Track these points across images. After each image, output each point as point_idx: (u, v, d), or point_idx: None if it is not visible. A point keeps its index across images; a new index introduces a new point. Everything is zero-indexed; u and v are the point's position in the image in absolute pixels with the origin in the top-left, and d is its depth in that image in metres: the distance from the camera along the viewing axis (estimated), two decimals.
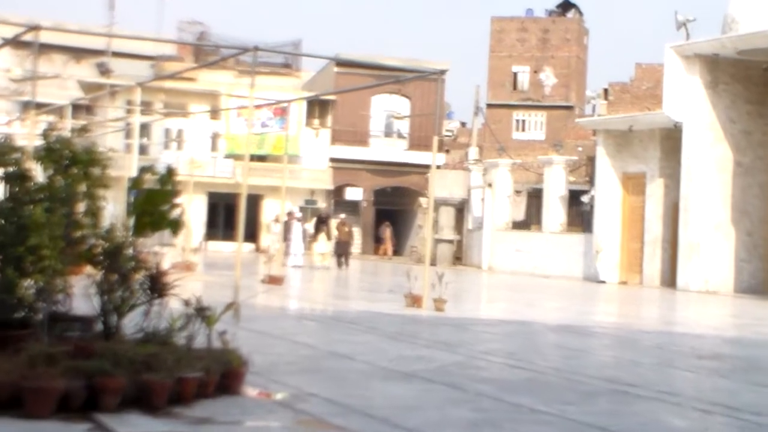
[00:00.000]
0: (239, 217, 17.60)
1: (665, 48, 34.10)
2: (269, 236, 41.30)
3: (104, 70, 57.82)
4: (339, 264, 36.00)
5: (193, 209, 36.14)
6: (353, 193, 58.39)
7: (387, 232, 56.56)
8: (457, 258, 47.85)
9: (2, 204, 8.42)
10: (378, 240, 58.60)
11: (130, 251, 8.52)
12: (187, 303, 8.38)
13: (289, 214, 35.96)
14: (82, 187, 8.77)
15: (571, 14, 75.13)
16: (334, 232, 36.65)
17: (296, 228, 34.58)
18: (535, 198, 44.24)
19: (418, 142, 58.95)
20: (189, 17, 68.94)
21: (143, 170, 8.95)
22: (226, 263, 34.53)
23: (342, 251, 36.61)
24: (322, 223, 36.19)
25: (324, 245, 35.33)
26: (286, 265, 32.24)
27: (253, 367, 8.37)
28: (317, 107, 57.47)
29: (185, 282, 9.41)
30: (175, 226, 9.00)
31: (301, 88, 61.24)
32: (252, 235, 52.00)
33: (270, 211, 50.80)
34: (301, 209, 47.05)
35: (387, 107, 58.27)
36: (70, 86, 57.64)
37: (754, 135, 34.19)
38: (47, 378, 6.93)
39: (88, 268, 8.63)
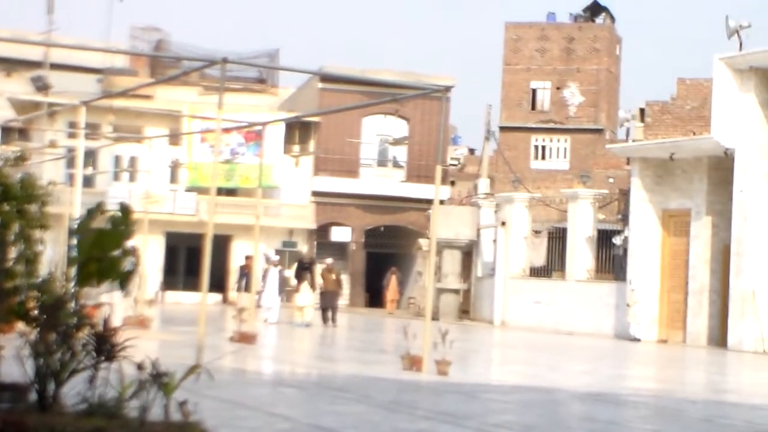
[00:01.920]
0: (204, 262, 17.58)
1: (714, 60, 34.27)
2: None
3: (41, 86, 57.92)
4: (325, 320, 35.33)
5: (148, 253, 36.09)
6: (340, 234, 58.38)
7: (393, 280, 56.50)
8: (464, 311, 47.83)
9: None
10: (371, 290, 58.47)
11: (72, 305, 8.49)
12: (140, 367, 8.35)
13: (248, 258, 35.98)
14: (15, 228, 8.75)
15: (600, 19, 75.55)
16: (319, 281, 35.89)
17: (272, 276, 34.18)
18: (557, 239, 44.29)
19: (418, 173, 59.07)
20: (144, 23, 69.22)
21: (92, 211, 8.92)
22: (187, 318, 34.43)
23: (328, 304, 35.88)
24: (304, 269, 35.01)
25: (307, 296, 34.46)
26: (264, 320, 32.31)
27: None
28: (297, 131, 57.64)
29: (138, 341, 9.38)
30: (124, 277, 8.95)
31: (278, 107, 61.43)
32: (219, 283, 51.95)
33: (240, 255, 50.73)
34: (278, 252, 46.98)
35: (381, 131, 58.42)
36: None
37: None
38: None
39: (21, 326, 8.60)
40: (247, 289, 32.47)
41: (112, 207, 9.36)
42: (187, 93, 59.70)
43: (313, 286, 34.72)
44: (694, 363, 28.59)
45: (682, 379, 23.02)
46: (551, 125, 71.90)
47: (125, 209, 8.88)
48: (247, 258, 35.79)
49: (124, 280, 8.99)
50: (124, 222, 8.76)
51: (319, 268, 36.58)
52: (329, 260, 37.56)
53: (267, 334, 28.61)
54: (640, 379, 22.08)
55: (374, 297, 58.22)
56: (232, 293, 41.49)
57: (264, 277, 33.23)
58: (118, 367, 8.50)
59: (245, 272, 34.91)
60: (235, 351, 21.53)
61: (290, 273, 38.84)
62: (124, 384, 8.28)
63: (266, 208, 53.85)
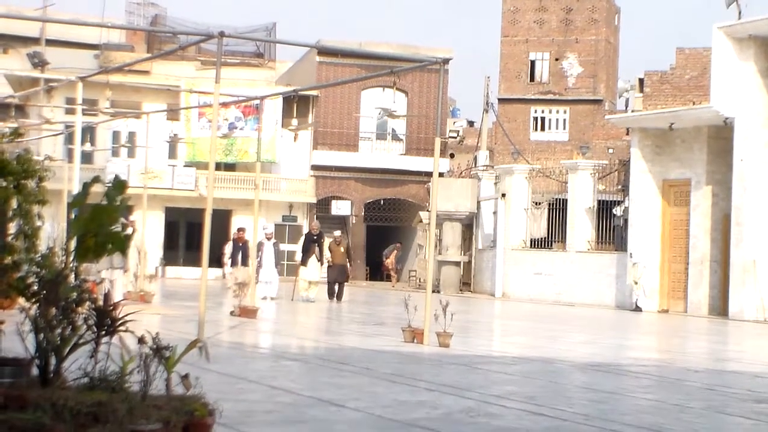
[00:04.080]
0: (204, 237, 17.56)
1: (713, 29, 34.21)
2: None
3: (38, 62, 57.85)
4: (331, 294, 34.61)
5: (148, 228, 36.08)
6: (340, 207, 58.47)
7: (394, 254, 56.55)
8: (465, 283, 47.91)
9: None
10: (372, 263, 58.60)
11: (72, 280, 8.48)
12: (141, 341, 8.36)
13: (240, 230, 35.30)
14: (14, 204, 8.74)
15: None
16: (327, 255, 34.61)
17: (267, 249, 33.48)
18: (557, 211, 44.31)
19: (417, 146, 59.09)
20: None
21: (87, 185, 8.90)
22: (188, 293, 34.49)
23: (336, 278, 34.94)
24: (312, 242, 33.89)
25: (315, 271, 33.69)
26: (263, 297, 31.99)
27: (221, 417, 8.35)
28: (296, 105, 57.51)
29: (139, 316, 9.39)
30: (121, 243, 8.92)
31: (276, 81, 61.41)
32: (219, 258, 51.95)
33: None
34: (278, 226, 47.00)
35: (379, 104, 58.33)
36: None
37: None
38: None
39: (21, 301, 8.61)
40: (244, 262, 32.08)
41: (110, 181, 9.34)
42: (184, 68, 59.68)
43: (320, 259, 33.97)
44: (695, 332, 28.63)
45: (684, 349, 23.05)
46: (550, 96, 71.84)
47: (119, 182, 8.84)
48: (239, 230, 35.16)
49: (121, 245, 8.95)
50: (118, 195, 8.71)
51: (327, 241, 35.51)
52: (337, 233, 36.28)
53: (268, 308, 28.63)
54: (642, 349, 22.12)
55: (375, 270, 58.39)
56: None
57: (259, 250, 32.52)
58: (119, 341, 8.51)
59: (239, 245, 34.28)
60: (237, 325, 21.56)
61: (296, 247, 38.22)
62: (125, 358, 8.29)
63: (266, 183, 53.91)
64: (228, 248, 39.92)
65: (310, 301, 32.85)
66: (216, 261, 48.33)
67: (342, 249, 35.08)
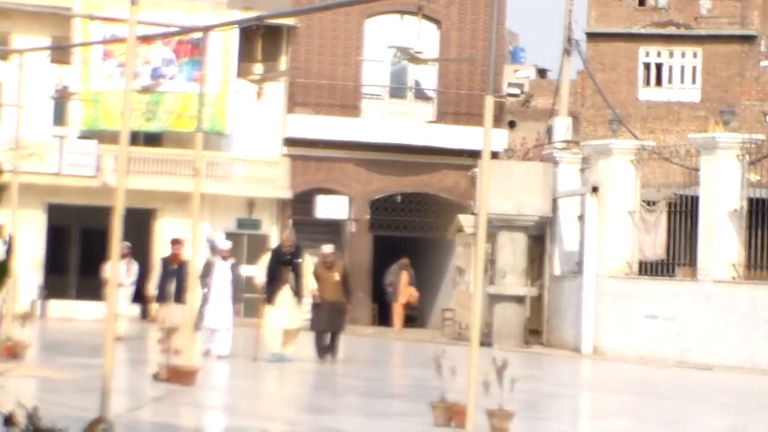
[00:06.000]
0: (111, 252, 17.57)
1: None
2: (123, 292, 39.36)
3: None
4: (322, 352, 33.16)
5: (20, 238, 36.11)
6: (331, 207, 58.32)
7: (404, 277, 56.23)
8: (533, 332, 47.88)
9: None
10: (379, 296, 58.40)
11: None
12: (10, 421, 8.36)
13: (175, 244, 34.87)
14: None
15: None
16: (312, 284, 33.17)
17: (220, 274, 33.06)
18: (683, 216, 44.30)
19: (456, 109, 59.03)
20: None
21: None
22: (84, 343, 34.50)
23: (328, 324, 33.46)
24: (284, 264, 32.93)
25: (289, 312, 32.51)
26: (205, 353, 31.49)
27: None
28: (260, 41, 57.67)
29: (7, 380, 9.38)
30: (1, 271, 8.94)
31: (227, 3, 61.44)
32: (136, 287, 51.96)
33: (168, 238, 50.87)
34: (230, 236, 46.99)
35: (395, 41, 58.35)
36: None
37: None
38: None
39: None
40: (179, 296, 31.78)
41: None
42: None
43: (299, 292, 32.96)
44: None
45: None
46: (671, 30, 71.86)
47: None
48: (175, 244, 34.92)
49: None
50: None
51: (310, 262, 34.11)
52: (328, 248, 34.71)
53: (212, 370, 28.59)
54: None
55: (385, 308, 57.83)
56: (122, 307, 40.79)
57: (206, 275, 31.84)
58: None
59: (171, 269, 34.08)
60: (163, 397, 21.57)
61: (255, 270, 37.59)
62: None
63: (211, 167, 53.89)
64: (121, 270, 39.37)
65: (285, 360, 32.11)
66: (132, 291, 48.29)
67: (336, 275, 33.79)
